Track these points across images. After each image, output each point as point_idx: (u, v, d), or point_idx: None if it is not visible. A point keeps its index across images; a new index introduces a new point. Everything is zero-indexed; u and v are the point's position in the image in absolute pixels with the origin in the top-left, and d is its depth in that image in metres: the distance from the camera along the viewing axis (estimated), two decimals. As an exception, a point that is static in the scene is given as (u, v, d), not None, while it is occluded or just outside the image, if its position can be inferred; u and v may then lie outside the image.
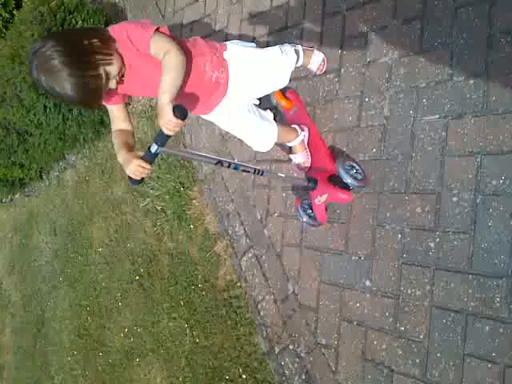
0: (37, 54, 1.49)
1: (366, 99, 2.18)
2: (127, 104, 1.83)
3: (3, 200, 6.39)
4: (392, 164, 2.07)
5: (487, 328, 1.69)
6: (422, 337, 1.89)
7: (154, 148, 1.49)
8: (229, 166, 1.74)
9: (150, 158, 1.51)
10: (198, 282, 3.01)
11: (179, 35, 3.12)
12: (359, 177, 2.10)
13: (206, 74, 1.79)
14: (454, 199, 1.84)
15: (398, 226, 2.02)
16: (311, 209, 2.26)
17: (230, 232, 2.89)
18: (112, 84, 1.59)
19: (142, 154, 1.53)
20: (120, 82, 1.64)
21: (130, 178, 1.57)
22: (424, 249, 1.91)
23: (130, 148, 1.66)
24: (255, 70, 1.96)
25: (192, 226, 3.12)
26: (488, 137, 1.77)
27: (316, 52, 2.32)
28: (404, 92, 2.03)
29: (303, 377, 2.37)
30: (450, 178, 1.86)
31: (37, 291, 5.06)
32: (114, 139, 1.72)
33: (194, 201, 3.19)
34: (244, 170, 1.87)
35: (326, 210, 2.18)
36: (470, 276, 1.76)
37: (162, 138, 1.47)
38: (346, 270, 2.19)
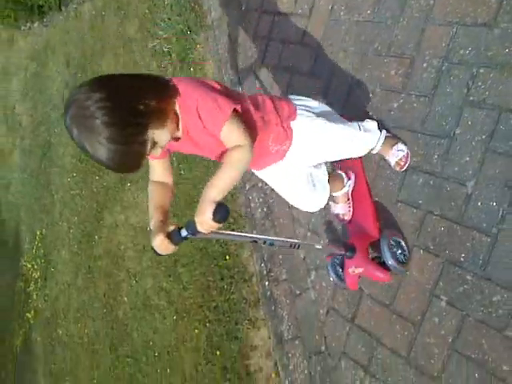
0: (76, 103, 1.21)
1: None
2: (170, 155, 1.60)
3: (22, 28, 6.48)
4: (381, 27, 2.19)
5: (421, 180, 1.94)
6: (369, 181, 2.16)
7: (183, 233, 1.38)
8: (264, 243, 1.63)
9: (177, 240, 1.40)
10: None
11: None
12: (402, 259, 1.86)
13: (268, 147, 1.60)
14: (424, 65, 1.99)
15: (371, 86, 2.19)
16: (342, 268, 2.01)
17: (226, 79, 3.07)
18: (157, 151, 1.34)
19: (172, 228, 1.41)
20: (170, 142, 1.41)
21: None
22: (387, 108, 2.10)
23: (165, 214, 1.48)
24: (322, 146, 1.76)
25: (192, 69, 3.29)
26: (468, 8, 1.87)
27: (400, 145, 1.98)
28: (407, -45, 2.09)
29: (265, 209, 2.71)
30: (426, 45, 2.00)
31: (46, 118, 5.37)
32: (150, 192, 1.55)
33: (198, 46, 3.32)
34: (281, 246, 1.79)
35: (359, 278, 1.96)
36: (419, 135, 1.97)
37: (193, 229, 1.33)
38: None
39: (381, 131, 1.96)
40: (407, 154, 1.96)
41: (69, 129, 1.22)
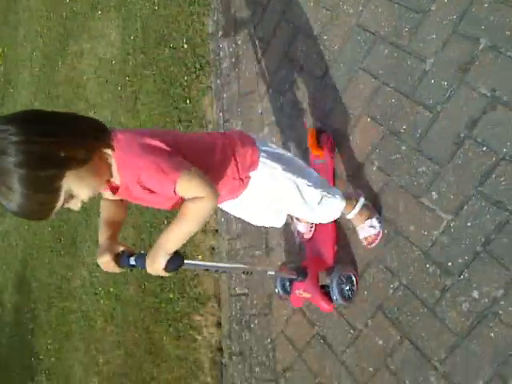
0: None
1: None
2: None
3: None
4: None
5: (386, 51, 1.98)
6: (336, 47, 2.17)
7: (132, 262, 1.36)
8: (217, 271, 1.55)
9: (124, 265, 1.38)
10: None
11: None
12: (348, 295, 1.88)
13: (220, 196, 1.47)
14: None
15: None
16: (290, 283, 1.97)
17: None
18: (76, 205, 1.18)
19: (122, 249, 1.38)
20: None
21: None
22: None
23: (115, 231, 1.42)
24: (278, 199, 1.60)
25: None
26: None
27: (375, 221, 1.83)
28: None
29: (233, 60, 2.70)
30: None
31: None
32: (102, 207, 1.45)
33: None
34: (234, 272, 1.71)
35: (305, 301, 1.98)
36: (396, 5, 1.97)
37: (142, 265, 1.30)
38: None
39: (358, 200, 1.81)
40: (378, 233, 1.83)
41: None
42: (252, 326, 2.38)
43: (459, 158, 1.68)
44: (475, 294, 1.58)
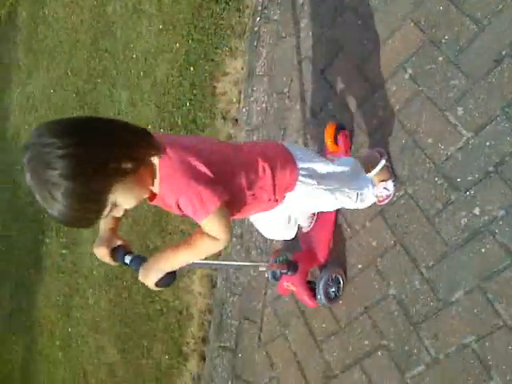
0: (33, 149, 1.02)
1: None
2: None
3: None
4: None
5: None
6: None
7: (127, 260, 1.37)
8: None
9: (119, 260, 1.40)
10: None
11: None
12: (333, 296, 1.92)
13: (249, 214, 1.56)
14: None
15: None
16: (280, 274, 1.97)
17: None
18: (118, 212, 1.18)
19: (119, 243, 1.41)
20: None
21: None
22: None
23: (116, 223, 1.41)
24: (309, 208, 1.76)
25: None
26: None
27: (390, 184, 1.84)
28: None
29: None
30: None
31: None
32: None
33: None
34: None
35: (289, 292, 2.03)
36: None
37: (136, 267, 1.32)
38: None
39: (379, 162, 1.82)
40: (391, 194, 1.86)
41: (25, 170, 1.04)
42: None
43: (494, 76, 1.64)
44: (476, 210, 1.62)
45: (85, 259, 3.63)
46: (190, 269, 2.42)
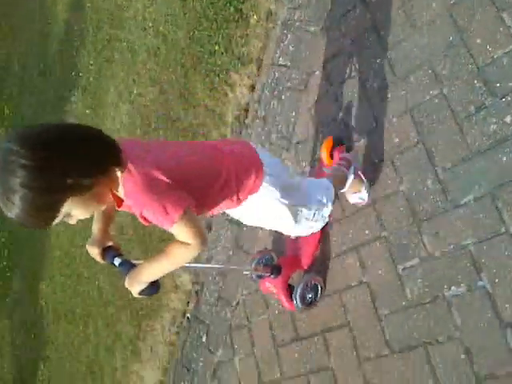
0: (2, 153, 1.07)
1: None
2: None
3: None
4: None
5: None
6: None
7: (116, 263, 1.45)
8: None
9: (109, 261, 1.48)
10: None
11: None
12: (309, 301, 1.98)
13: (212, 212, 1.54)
14: None
15: None
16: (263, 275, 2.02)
17: None
18: (72, 221, 1.21)
19: (110, 244, 1.50)
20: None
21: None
22: None
23: (107, 223, 1.51)
24: (266, 218, 1.67)
25: None
26: None
27: (364, 193, 1.90)
28: None
29: None
30: None
31: None
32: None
33: None
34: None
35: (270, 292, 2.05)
36: None
37: (124, 272, 1.39)
38: None
39: (347, 175, 1.85)
40: (365, 201, 1.92)
41: None
42: (283, 97, 2.44)
43: None
44: (508, 119, 1.58)
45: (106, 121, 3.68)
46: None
